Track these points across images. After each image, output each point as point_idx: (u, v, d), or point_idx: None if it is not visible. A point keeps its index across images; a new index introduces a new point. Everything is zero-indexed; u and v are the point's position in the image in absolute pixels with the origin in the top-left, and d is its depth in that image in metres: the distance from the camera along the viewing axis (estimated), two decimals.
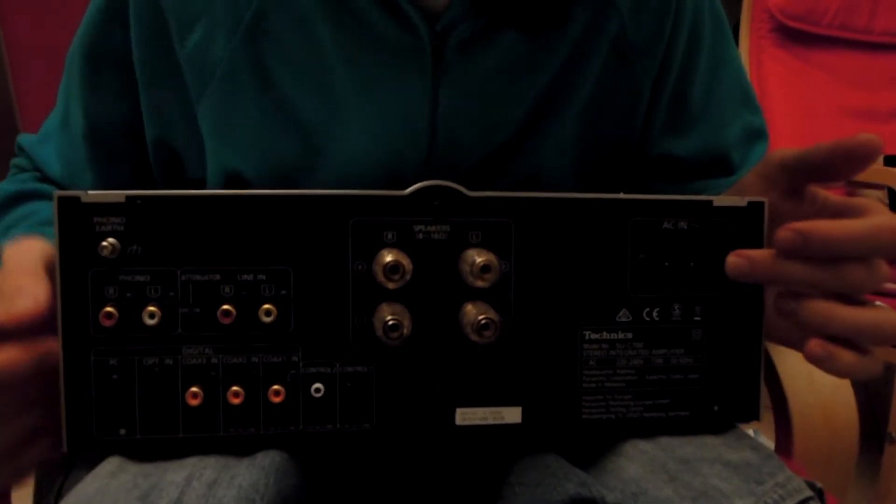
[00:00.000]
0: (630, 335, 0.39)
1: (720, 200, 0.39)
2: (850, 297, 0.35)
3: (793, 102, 1.52)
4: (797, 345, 0.36)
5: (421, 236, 0.37)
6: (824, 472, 0.61)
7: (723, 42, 0.58)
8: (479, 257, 0.35)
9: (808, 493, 0.35)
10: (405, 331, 0.35)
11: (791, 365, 0.62)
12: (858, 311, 0.34)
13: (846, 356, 0.34)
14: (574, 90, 0.53)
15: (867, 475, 1.23)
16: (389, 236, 0.37)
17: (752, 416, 0.41)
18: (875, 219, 0.34)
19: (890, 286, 1.04)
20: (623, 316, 0.39)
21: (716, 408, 0.40)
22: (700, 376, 0.40)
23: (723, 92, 0.59)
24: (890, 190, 1.23)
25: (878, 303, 0.36)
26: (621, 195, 0.38)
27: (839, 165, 0.35)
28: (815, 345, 0.34)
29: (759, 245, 0.39)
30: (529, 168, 0.55)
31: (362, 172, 0.50)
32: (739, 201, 0.39)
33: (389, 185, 0.38)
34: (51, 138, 0.58)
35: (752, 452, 0.38)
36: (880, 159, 1.33)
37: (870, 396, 1.56)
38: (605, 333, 0.39)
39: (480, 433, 0.38)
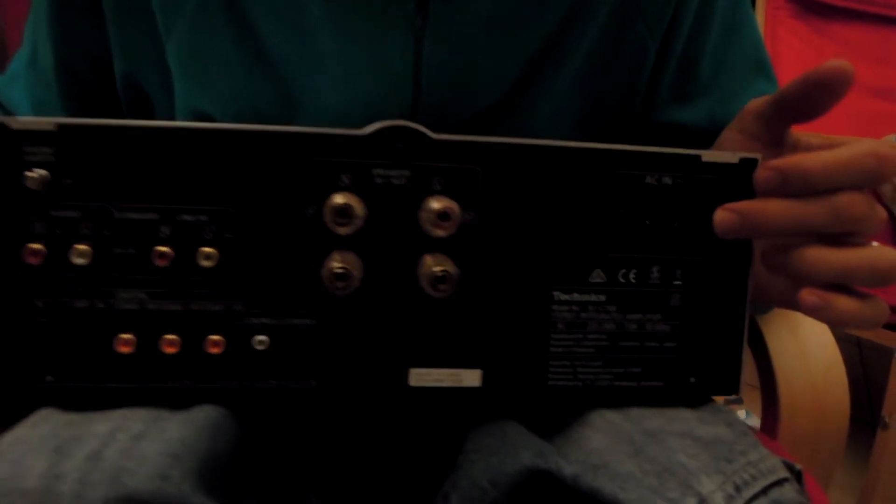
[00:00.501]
0: (603, 297, 0.36)
1: (710, 155, 0.36)
2: (849, 240, 0.32)
3: None
4: (795, 303, 0.33)
5: (379, 181, 0.34)
6: (811, 455, 0.58)
7: (738, 5, 0.55)
8: (437, 203, 0.32)
9: (784, 474, 0.33)
10: (355, 281, 0.33)
11: (782, 341, 0.59)
12: (849, 252, 0.32)
13: (843, 302, 0.31)
14: (571, 48, 0.50)
15: (859, 459, 1.21)
16: (345, 179, 0.34)
17: (732, 389, 0.38)
18: (855, 146, 0.31)
19: None
20: (597, 276, 0.36)
21: (692, 379, 0.38)
22: (677, 345, 0.37)
23: (736, 59, 0.55)
24: None
25: (874, 244, 0.33)
26: (601, 144, 0.35)
27: (814, 98, 0.33)
28: (807, 293, 0.32)
29: None
30: (523, 132, 0.51)
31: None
32: (730, 157, 0.36)
33: None
34: (19, 77, 0.55)
35: (726, 428, 0.35)
36: (892, 137, 1.28)
37: (868, 379, 1.54)
38: (576, 294, 0.36)
39: (436, 396, 0.36)
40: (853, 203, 0.31)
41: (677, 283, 0.37)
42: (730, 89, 0.55)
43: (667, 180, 0.36)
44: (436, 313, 0.35)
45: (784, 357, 0.58)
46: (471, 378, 0.36)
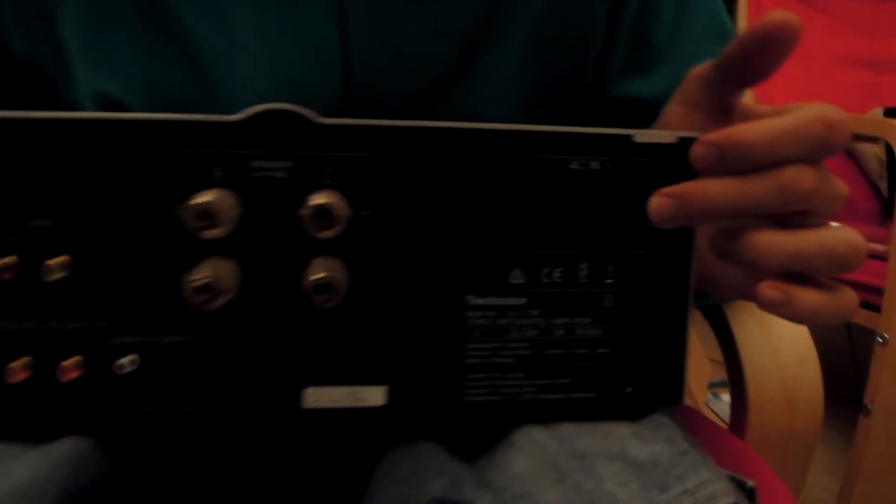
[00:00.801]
0: (524, 300, 0.32)
1: (643, 135, 0.31)
2: (802, 221, 0.28)
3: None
4: (753, 295, 0.29)
5: (258, 174, 0.29)
6: (783, 455, 0.54)
7: None
8: (316, 199, 0.28)
9: (729, 499, 0.28)
10: (228, 293, 0.28)
11: (751, 332, 0.55)
12: (802, 234, 0.27)
13: (807, 296, 0.27)
14: (513, 21, 0.46)
15: (847, 440, 1.18)
16: (218, 173, 0.29)
17: (674, 398, 0.34)
18: (800, 112, 0.27)
19: (877, 247, 0.96)
20: (516, 277, 0.32)
21: (629, 389, 0.33)
22: (610, 351, 0.33)
23: (694, 25, 0.51)
24: (888, 144, 1.15)
25: (833, 224, 0.29)
26: (517, 126, 0.31)
27: (759, 56, 0.29)
28: (767, 286, 0.27)
29: None
30: (467, 111, 0.47)
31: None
32: (667, 136, 0.31)
33: None
34: None
35: (665, 446, 0.31)
36: (879, 110, 1.24)
37: (856, 359, 1.50)
38: (493, 298, 0.32)
39: (336, 418, 0.32)
40: (799, 178, 0.27)
41: (609, 281, 0.32)
42: (688, 58, 0.50)
43: (594, 165, 0.31)
44: (328, 325, 0.30)
45: (753, 350, 0.54)
46: (374, 396, 0.31)
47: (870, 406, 0.81)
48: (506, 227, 0.31)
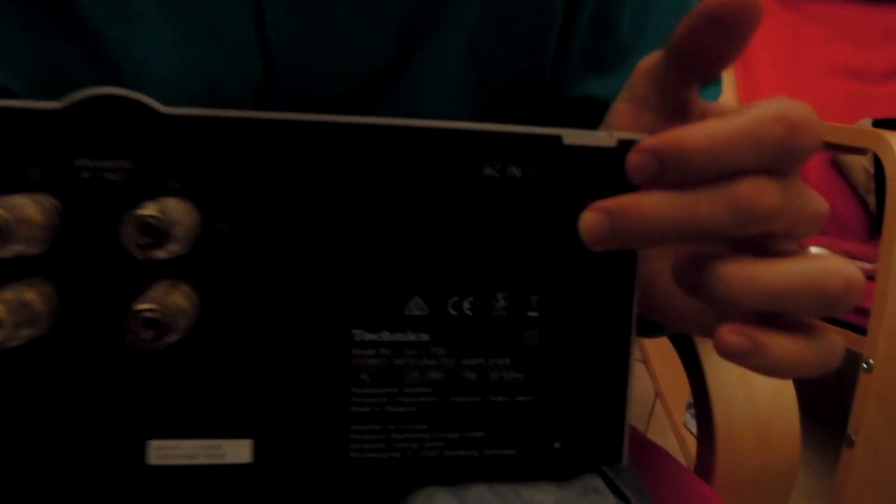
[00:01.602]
0: (426, 336, 0.26)
1: (575, 137, 0.26)
2: (775, 248, 0.22)
3: (779, 57, 1.37)
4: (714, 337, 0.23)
5: (85, 175, 0.23)
6: (755, 501, 0.48)
7: None
8: (144, 209, 0.22)
9: None
10: (27, 327, 0.22)
11: (721, 361, 0.49)
12: (785, 265, 0.21)
13: (780, 343, 0.21)
14: (458, 8, 0.40)
15: (830, 463, 1.12)
16: (33, 174, 0.23)
17: (613, 456, 0.28)
18: (757, 110, 0.21)
19: (863, 265, 0.91)
20: (416, 307, 0.26)
21: (556, 444, 0.27)
22: (534, 398, 0.27)
23: (661, 19, 0.45)
24: (876, 156, 1.10)
25: (813, 249, 0.22)
26: (417, 121, 0.25)
27: (713, 40, 0.23)
28: (726, 333, 0.22)
29: None
30: (410, 109, 0.42)
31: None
32: (605, 138, 0.26)
33: None
34: None
35: None
36: (868, 121, 1.19)
37: (840, 378, 1.45)
38: (385, 333, 0.26)
39: (191, 477, 0.26)
40: (757, 192, 0.21)
41: (532, 314, 0.26)
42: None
43: (514, 171, 0.25)
44: (174, 365, 0.24)
45: (722, 380, 0.48)
46: (238, 452, 0.25)
47: (853, 437, 0.75)
48: (402, 247, 0.25)
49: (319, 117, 0.24)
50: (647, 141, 0.22)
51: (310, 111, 0.41)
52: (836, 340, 0.23)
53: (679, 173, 0.22)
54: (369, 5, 0.39)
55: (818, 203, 0.23)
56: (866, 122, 1.19)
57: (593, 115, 0.45)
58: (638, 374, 1.50)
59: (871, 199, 1.25)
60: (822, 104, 1.36)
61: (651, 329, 0.40)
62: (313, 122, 0.24)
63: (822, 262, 0.22)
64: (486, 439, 0.27)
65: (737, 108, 0.26)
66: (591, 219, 0.24)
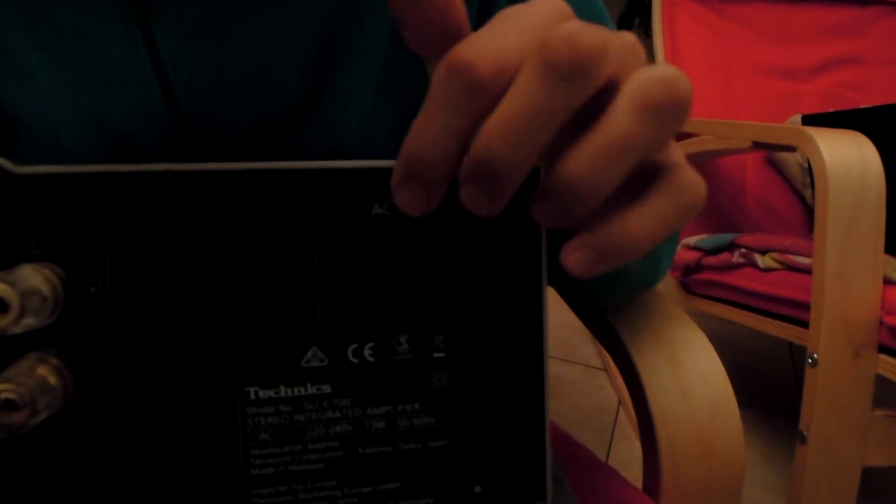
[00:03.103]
0: (328, 388, 0.24)
1: None
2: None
3: (708, 60, 1.40)
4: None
5: None
6: None
7: None
8: None
9: None
10: None
11: (658, 372, 0.48)
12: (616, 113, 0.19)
13: (626, 224, 0.20)
14: (367, 37, 0.39)
15: (789, 457, 1.13)
16: None
17: (536, 494, 0.27)
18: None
19: (803, 260, 0.92)
20: (314, 358, 0.24)
21: (477, 489, 0.26)
22: (449, 442, 0.26)
23: None
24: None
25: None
26: (298, 163, 0.24)
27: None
28: (566, 257, 0.20)
29: (535, 238, 0.25)
30: (327, 141, 0.41)
31: (83, 151, 0.36)
32: None
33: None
34: None
35: None
36: (797, 118, 1.21)
37: (798, 374, 1.47)
38: (283, 389, 0.24)
39: None
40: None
41: (439, 354, 0.25)
42: None
43: None
44: (47, 441, 0.23)
45: (661, 393, 0.48)
46: None
47: (805, 433, 0.76)
48: (293, 296, 0.24)
49: (192, 166, 0.23)
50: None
51: (224, 151, 0.39)
52: (686, 176, 0.20)
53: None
54: (273, 37, 0.38)
55: (627, 38, 0.20)
56: (796, 119, 1.22)
57: None
58: (600, 382, 1.50)
59: (808, 193, 1.28)
60: (754, 103, 1.39)
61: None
62: (186, 171, 0.23)
63: (639, 73, 0.19)
64: (402, 490, 0.25)
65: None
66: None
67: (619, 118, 0.19)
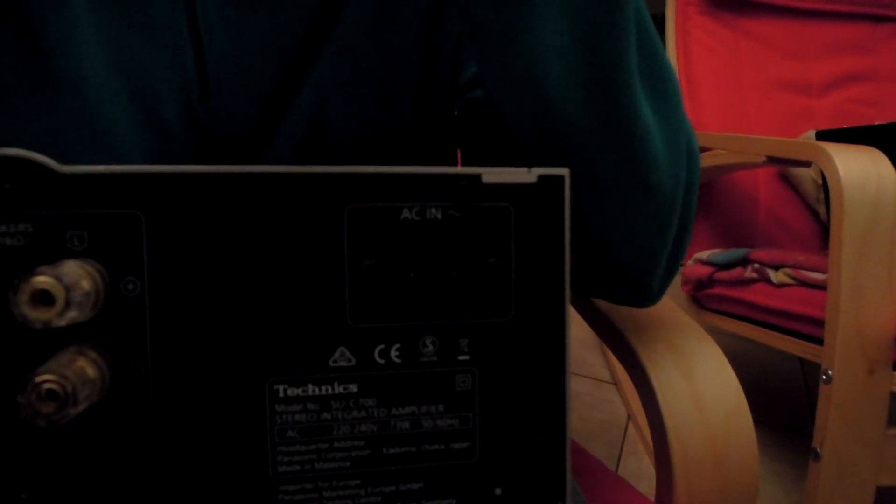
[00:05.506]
0: (354, 387, 0.25)
1: (493, 174, 0.25)
2: None
3: (721, 75, 1.40)
4: None
5: None
6: None
7: None
8: (41, 276, 0.20)
9: None
10: None
11: (672, 384, 0.49)
12: None
13: None
14: (339, 27, 0.43)
15: (800, 475, 1.12)
16: None
17: (556, 496, 0.27)
18: None
19: (816, 276, 0.92)
20: (341, 358, 0.25)
21: (498, 491, 0.27)
22: (471, 445, 0.26)
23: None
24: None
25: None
26: (332, 168, 0.24)
27: None
28: None
29: (558, 242, 0.26)
30: (307, 124, 0.44)
31: (113, 115, 0.39)
32: (524, 175, 0.25)
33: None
34: None
35: None
36: (811, 133, 1.22)
37: (809, 392, 1.46)
38: (311, 387, 0.25)
39: None
40: None
41: (464, 358, 0.26)
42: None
43: (434, 213, 0.25)
44: (78, 436, 0.23)
45: (675, 405, 0.48)
46: None
47: (819, 450, 0.75)
48: (323, 297, 0.24)
49: (229, 169, 0.23)
50: None
51: (242, 110, 0.41)
52: None
53: None
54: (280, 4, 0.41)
55: None
56: (810, 135, 1.22)
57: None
58: (610, 396, 1.50)
59: (822, 209, 1.28)
60: (767, 118, 1.39)
61: None
62: (223, 173, 0.23)
63: None
64: (425, 490, 0.26)
65: None
66: None
67: None
